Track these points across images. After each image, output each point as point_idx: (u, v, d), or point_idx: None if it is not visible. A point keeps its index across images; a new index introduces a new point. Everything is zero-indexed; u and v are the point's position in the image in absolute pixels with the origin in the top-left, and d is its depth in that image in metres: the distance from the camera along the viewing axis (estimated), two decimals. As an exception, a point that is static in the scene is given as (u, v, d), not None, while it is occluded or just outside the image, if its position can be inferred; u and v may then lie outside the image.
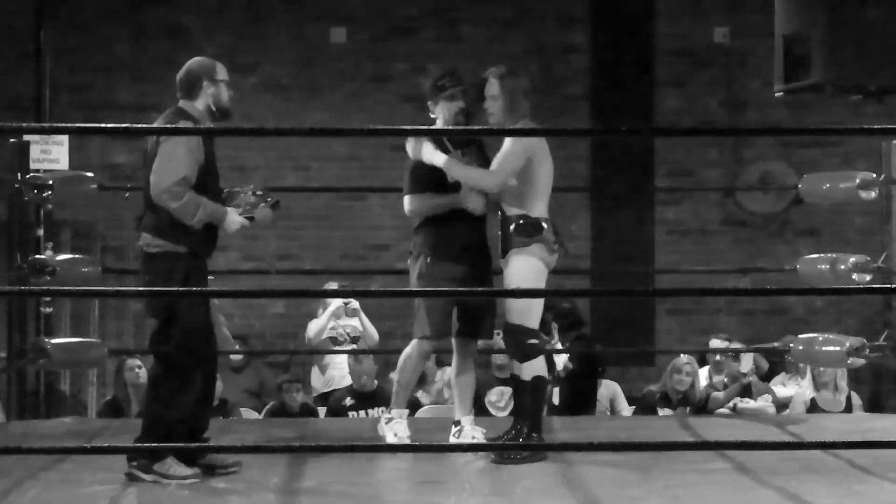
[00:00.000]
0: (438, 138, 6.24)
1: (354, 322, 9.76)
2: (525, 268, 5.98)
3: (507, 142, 6.00)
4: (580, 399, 8.85)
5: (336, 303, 9.73)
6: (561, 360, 8.75)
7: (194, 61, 5.72)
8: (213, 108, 5.62)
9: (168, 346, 5.52)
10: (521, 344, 6.01)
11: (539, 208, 6.04)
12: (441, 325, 6.25)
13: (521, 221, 6.00)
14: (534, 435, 5.98)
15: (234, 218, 5.62)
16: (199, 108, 5.61)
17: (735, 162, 11.63)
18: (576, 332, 9.09)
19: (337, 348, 9.56)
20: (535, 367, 6.03)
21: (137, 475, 5.47)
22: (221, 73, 5.67)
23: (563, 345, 8.83)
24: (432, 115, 6.36)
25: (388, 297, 10.87)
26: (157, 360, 5.62)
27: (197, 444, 5.56)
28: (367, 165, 11.03)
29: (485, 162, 6.20)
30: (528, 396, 6.05)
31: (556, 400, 8.71)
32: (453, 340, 6.37)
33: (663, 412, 8.74)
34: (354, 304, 9.75)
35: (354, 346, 9.52)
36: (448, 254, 6.19)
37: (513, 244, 6.00)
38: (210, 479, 5.54)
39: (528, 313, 6.00)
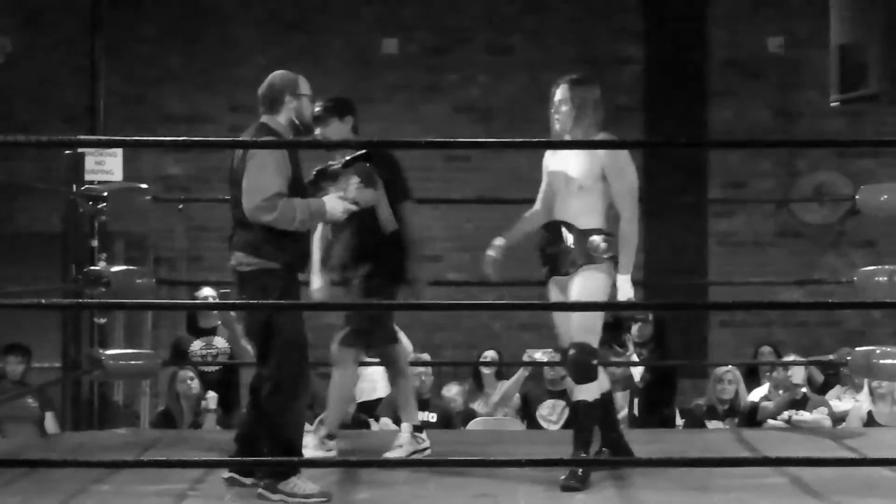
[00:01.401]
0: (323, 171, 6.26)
1: None
2: (598, 284, 5.71)
3: (616, 167, 5.74)
4: (657, 411, 8.84)
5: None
6: (637, 372, 8.78)
7: (276, 75, 5.64)
8: (297, 122, 5.57)
9: (272, 363, 5.48)
10: (584, 364, 5.71)
11: (609, 223, 5.83)
12: None
13: (604, 238, 5.75)
14: (583, 455, 5.75)
15: (334, 204, 5.54)
16: (282, 122, 5.56)
17: (789, 173, 11.56)
18: (652, 344, 9.10)
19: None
20: (594, 388, 5.76)
21: (266, 495, 5.42)
22: (304, 87, 5.61)
23: (638, 357, 8.84)
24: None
25: (442, 310, 10.82)
26: (266, 379, 5.52)
27: (235, 458, 5.55)
28: (419, 177, 10.97)
29: (374, 174, 5.85)
30: (590, 417, 5.80)
31: (636, 411, 8.75)
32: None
33: (712, 424, 8.70)
34: None
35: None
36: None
37: (592, 260, 5.71)
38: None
39: (593, 330, 5.72)
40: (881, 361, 7.26)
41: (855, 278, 7.52)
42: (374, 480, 5.75)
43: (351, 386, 6.64)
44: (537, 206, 6.09)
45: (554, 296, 5.91)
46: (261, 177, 5.35)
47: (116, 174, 9.32)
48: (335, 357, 6.40)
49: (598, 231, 5.75)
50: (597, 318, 5.77)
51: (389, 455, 6.37)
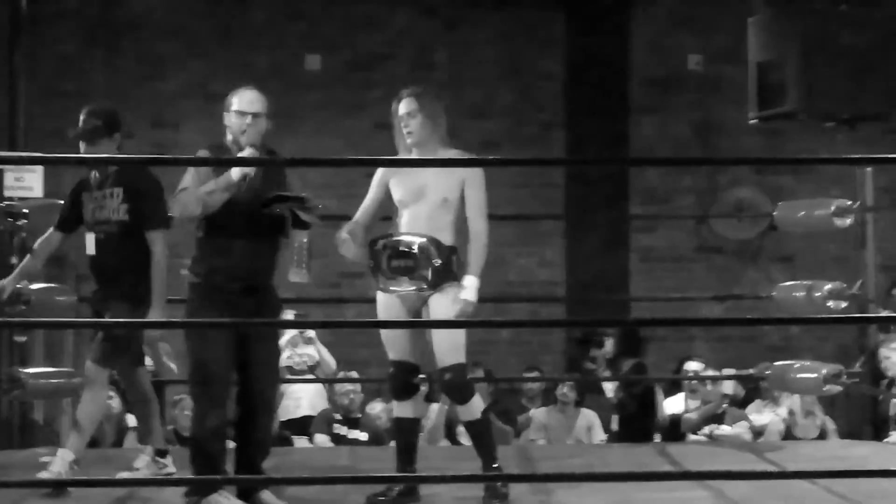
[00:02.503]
0: None
1: (311, 350, 9.63)
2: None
3: (476, 179, 5.69)
4: (636, 427, 8.93)
5: (292, 331, 9.62)
6: (609, 389, 8.92)
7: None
8: (232, 138, 5.58)
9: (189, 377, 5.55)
10: (461, 384, 5.63)
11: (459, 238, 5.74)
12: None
13: (458, 254, 5.69)
14: (494, 468, 5.68)
15: (232, 171, 5.45)
16: (230, 137, 5.61)
17: (709, 189, 11.67)
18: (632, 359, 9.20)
19: (297, 377, 9.50)
20: (478, 403, 5.68)
21: None
22: (237, 102, 5.67)
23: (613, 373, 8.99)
24: None
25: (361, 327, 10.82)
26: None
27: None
28: (342, 193, 10.96)
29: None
30: (485, 431, 5.74)
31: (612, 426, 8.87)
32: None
33: (633, 439, 8.82)
34: (310, 332, 9.64)
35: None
36: None
37: (453, 277, 5.62)
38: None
39: (460, 348, 5.62)
40: (799, 375, 7.36)
41: (774, 293, 7.61)
42: (295, 497, 5.72)
43: (102, 405, 6.23)
44: (358, 217, 6.00)
45: (394, 310, 5.72)
46: (181, 184, 5.46)
47: (36, 190, 9.22)
48: (89, 375, 6.06)
49: (453, 248, 5.68)
50: (462, 336, 5.65)
51: (122, 475, 6.11)
